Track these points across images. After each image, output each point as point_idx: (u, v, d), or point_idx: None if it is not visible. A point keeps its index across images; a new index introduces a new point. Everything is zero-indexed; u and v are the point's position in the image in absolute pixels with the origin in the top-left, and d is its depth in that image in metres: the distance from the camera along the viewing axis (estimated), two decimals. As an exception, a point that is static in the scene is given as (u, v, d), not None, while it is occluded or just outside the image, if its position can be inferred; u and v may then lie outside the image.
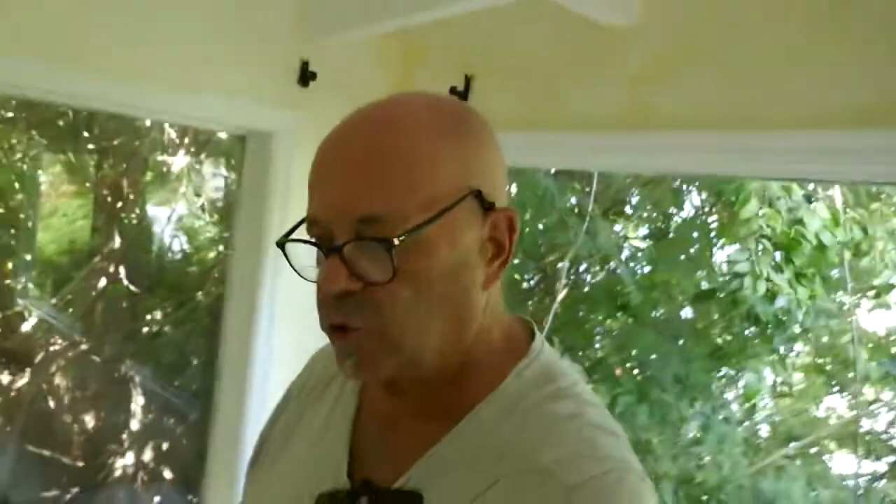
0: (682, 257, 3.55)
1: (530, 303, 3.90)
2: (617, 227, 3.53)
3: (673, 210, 3.67)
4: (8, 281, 4.40)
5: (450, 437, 0.79)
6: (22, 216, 4.55)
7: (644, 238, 3.83)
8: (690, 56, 1.80)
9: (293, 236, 0.80)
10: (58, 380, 4.54)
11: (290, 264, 0.80)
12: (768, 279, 2.86)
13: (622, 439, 0.79)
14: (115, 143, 4.46)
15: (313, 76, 2.41)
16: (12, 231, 4.58)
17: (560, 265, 3.52)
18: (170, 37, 2.16)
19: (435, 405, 0.81)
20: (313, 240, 0.78)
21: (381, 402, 0.86)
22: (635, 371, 3.59)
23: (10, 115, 4.42)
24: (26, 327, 4.28)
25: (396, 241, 0.72)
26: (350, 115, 0.81)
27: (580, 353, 3.43)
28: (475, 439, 0.78)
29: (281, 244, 0.80)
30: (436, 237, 0.75)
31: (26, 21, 1.94)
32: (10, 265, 4.43)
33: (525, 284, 3.98)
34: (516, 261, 3.75)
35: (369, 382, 0.88)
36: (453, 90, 2.40)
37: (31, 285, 4.57)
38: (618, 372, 3.54)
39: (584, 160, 2.16)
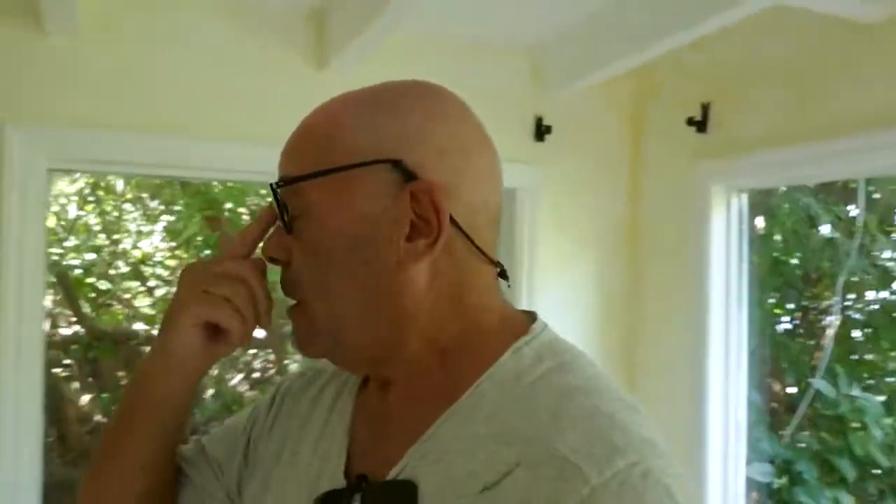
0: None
1: (796, 342, 3.58)
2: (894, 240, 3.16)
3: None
4: (286, 362, 4.87)
5: (444, 419, 0.72)
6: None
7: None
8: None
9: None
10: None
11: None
12: None
13: (641, 413, 0.70)
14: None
15: (548, 130, 2.47)
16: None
17: (831, 296, 3.20)
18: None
19: (426, 390, 0.75)
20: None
21: (374, 398, 0.82)
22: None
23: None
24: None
25: (274, 185, 0.75)
26: None
27: (870, 384, 3.05)
28: (474, 420, 0.70)
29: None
30: (324, 204, 0.73)
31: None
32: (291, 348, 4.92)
33: (788, 324, 3.67)
34: (772, 300, 3.47)
35: (370, 379, 0.84)
36: (690, 121, 2.35)
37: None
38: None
39: (854, 167, 1.98)
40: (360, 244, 0.72)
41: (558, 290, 2.55)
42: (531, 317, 0.79)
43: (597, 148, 2.59)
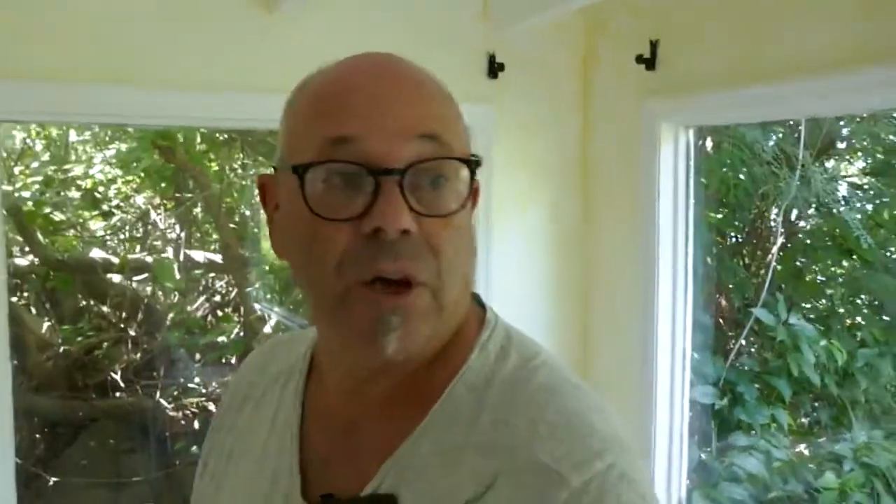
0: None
1: (740, 259, 3.73)
2: (830, 167, 3.27)
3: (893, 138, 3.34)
4: (248, 289, 4.90)
5: (421, 430, 0.69)
6: (250, 226, 5.03)
7: (864, 174, 3.53)
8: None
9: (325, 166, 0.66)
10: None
11: (305, 198, 0.66)
12: None
13: (607, 409, 0.71)
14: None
15: (501, 67, 2.47)
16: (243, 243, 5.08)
17: (772, 216, 3.33)
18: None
19: (401, 397, 0.72)
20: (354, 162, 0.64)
21: (334, 404, 0.75)
22: (875, 320, 3.33)
23: (224, 136, 4.86)
24: (267, 329, 4.74)
25: (474, 160, 0.67)
26: (363, 56, 0.73)
27: (808, 307, 3.23)
28: (452, 430, 0.68)
29: (303, 169, 0.65)
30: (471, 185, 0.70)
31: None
32: (252, 274, 4.93)
33: (733, 240, 3.80)
34: (718, 215, 3.59)
35: (325, 381, 0.77)
36: (639, 58, 2.36)
37: (263, 291, 5.05)
38: (849, 322, 3.31)
39: (799, 108, 2.04)
40: (474, 230, 0.73)
41: (516, 227, 2.61)
42: (476, 300, 0.79)
43: (549, 85, 2.60)
